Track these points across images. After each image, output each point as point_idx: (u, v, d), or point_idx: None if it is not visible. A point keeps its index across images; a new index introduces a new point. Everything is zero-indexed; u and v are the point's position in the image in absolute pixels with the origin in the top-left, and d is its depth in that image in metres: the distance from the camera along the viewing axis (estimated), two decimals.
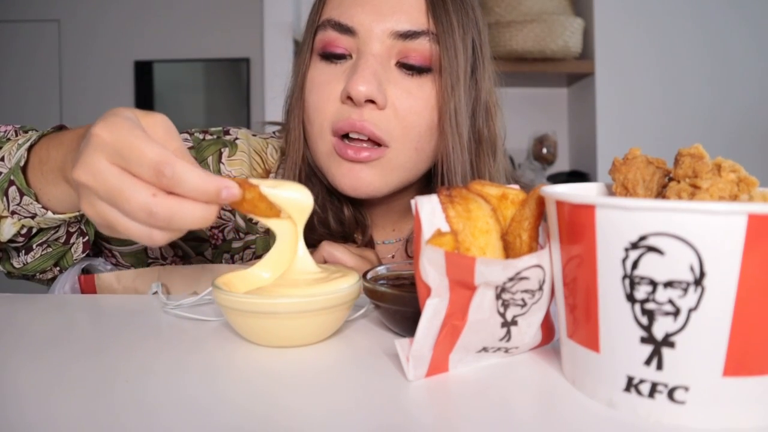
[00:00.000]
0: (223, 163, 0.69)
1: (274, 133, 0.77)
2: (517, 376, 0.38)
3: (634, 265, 0.29)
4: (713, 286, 0.28)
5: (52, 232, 0.57)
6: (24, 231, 0.54)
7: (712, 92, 1.74)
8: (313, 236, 0.69)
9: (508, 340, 0.39)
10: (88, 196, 0.39)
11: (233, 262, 0.72)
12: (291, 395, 0.34)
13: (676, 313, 0.29)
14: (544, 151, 1.91)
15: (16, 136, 0.58)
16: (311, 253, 0.64)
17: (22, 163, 0.51)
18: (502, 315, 0.37)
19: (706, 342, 0.28)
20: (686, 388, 0.29)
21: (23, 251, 0.58)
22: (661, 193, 0.36)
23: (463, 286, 0.35)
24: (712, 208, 0.27)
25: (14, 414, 0.32)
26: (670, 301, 0.29)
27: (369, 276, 0.47)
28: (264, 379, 0.37)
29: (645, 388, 0.30)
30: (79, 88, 2.44)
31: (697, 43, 1.73)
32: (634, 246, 0.29)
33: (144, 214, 0.36)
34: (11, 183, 0.51)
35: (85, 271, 0.66)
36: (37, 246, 0.58)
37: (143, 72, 2.45)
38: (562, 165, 2.02)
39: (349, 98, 0.59)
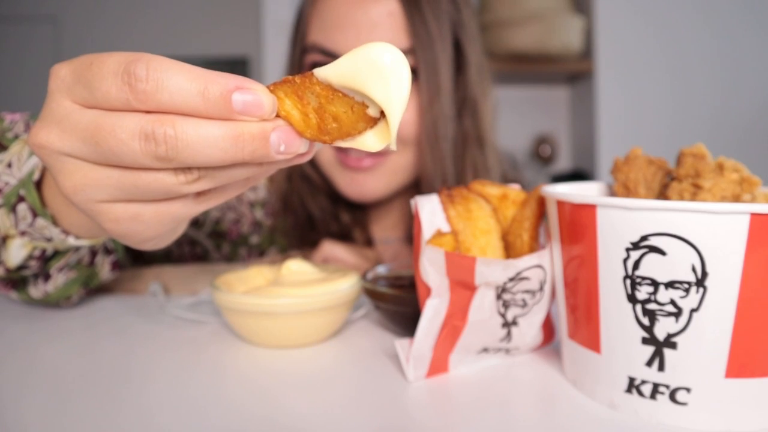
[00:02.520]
0: None
1: None
2: (518, 377, 0.37)
3: (636, 265, 0.29)
4: (715, 286, 0.28)
5: (71, 253, 0.46)
6: (37, 253, 0.43)
7: (714, 91, 1.74)
8: (314, 235, 0.69)
9: (509, 340, 0.38)
10: (62, 164, 0.27)
11: (250, 258, 0.73)
12: (291, 395, 0.34)
13: (678, 313, 0.29)
14: (544, 151, 1.91)
15: (25, 131, 0.46)
16: (312, 251, 0.65)
17: (36, 177, 0.39)
18: (503, 315, 0.37)
19: (708, 343, 0.28)
20: (688, 390, 0.29)
21: (41, 278, 0.47)
22: (662, 193, 0.35)
23: (463, 286, 0.35)
24: (713, 208, 0.27)
25: (14, 413, 0.32)
26: (672, 302, 0.28)
27: (369, 276, 0.47)
28: (264, 379, 0.37)
29: (646, 389, 0.30)
30: None
31: (699, 41, 1.73)
32: (636, 246, 0.29)
33: (140, 143, 0.25)
34: (20, 199, 0.40)
35: None
36: (56, 271, 0.47)
37: None
38: (562, 165, 2.02)
39: None
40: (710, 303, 0.28)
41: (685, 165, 0.33)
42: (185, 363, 0.39)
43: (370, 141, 0.27)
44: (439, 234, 0.36)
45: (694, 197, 0.32)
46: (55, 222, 0.40)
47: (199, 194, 0.29)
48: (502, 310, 0.37)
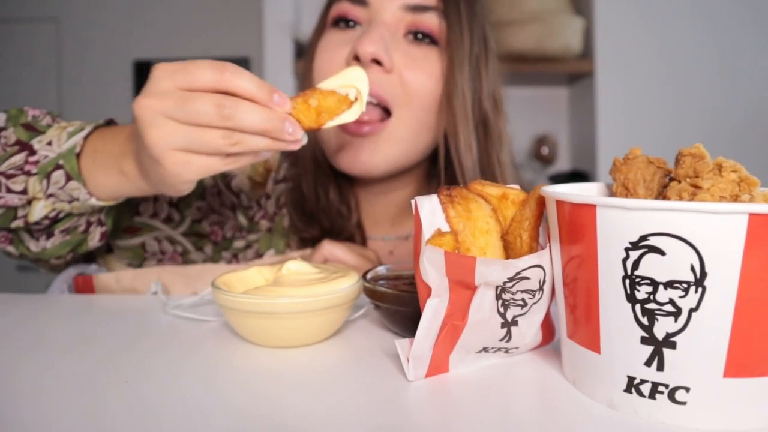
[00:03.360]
0: None
1: None
2: (518, 377, 0.37)
3: (635, 265, 0.29)
4: (714, 286, 0.28)
5: (74, 220, 0.56)
6: (53, 215, 0.54)
7: (713, 92, 1.74)
8: (313, 231, 0.70)
9: (509, 340, 0.39)
10: (155, 119, 0.42)
11: (237, 262, 0.72)
12: (291, 395, 0.34)
13: (677, 313, 0.29)
14: (544, 151, 1.91)
15: (53, 122, 0.57)
16: (312, 252, 0.65)
17: (77, 150, 0.52)
18: (503, 315, 0.37)
19: (707, 342, 0.28)
20: (687, 389, 0.29)
21: (44, 236, 0.57)
22: (661, 193, 0.35)
23: (463, 286, 0.35)
24: (712, 208, 0.27)
25: (14, 413, 0.32)
26: (671, 302, 0.29)
27: (369, 276, 0.47)
28: (264, 379, 0.37)
29: (646, 388, 0.30)
30: (77, 87, 2.44)
31: (699, 42, 1.73)
32: (635, 246, 0.29)
33: (213, 107, 0.41)
34: (58, 167, 0.52)
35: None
36: (58, 232, 0.57)
37: (142, 71, 2.45)
38: (562, 165, 2.02)
39: (356, 58, 0.60)
40: (709, 303, 0.28)
41: (684, 165, 0.33)
42: (185, 362, 0.40)
43: (349, 115, 0.47)
44: (439, 234, 0.36)
45: (693, 197, 0.32)
46: (85, 186, 0.52)
47: (228, 156, 0.44)
48: (501, 309, 0.37)
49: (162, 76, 0.42)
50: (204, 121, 0.41)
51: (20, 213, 0.53)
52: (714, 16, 1.73)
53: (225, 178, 0.71)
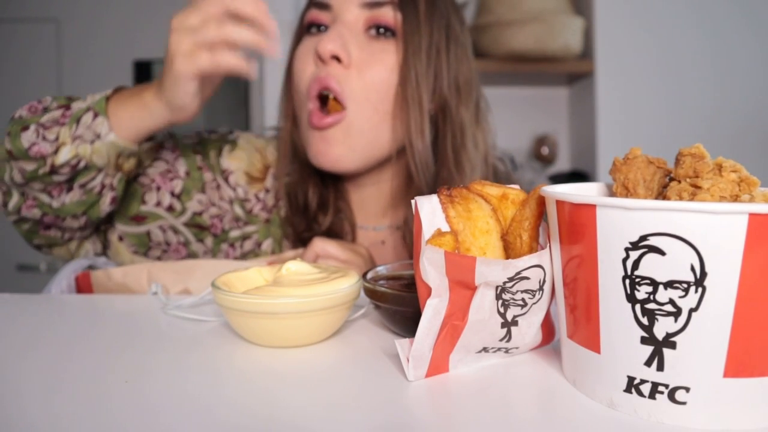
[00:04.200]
0: (222, 157, 0.75)
1: (277, 130, 0.82)
2: (518, 377, 0.38)
3: (635, 265, 0.29)
4: (714, 286, 0.28)
5: (92, 175, 0.63)
6: (74, 162, 0.61)
7: (713, 92, 1.74)
8: (306, 222, 0.74)
9: (509, 340, 0.39)
10: (181, 37, 0.57)
11: (233, 250, 0.76)
12: (291, 394, 0.34)
13: (677, 313, 0.29)
14: (544, 151, 1.91)
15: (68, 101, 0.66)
16: (304, 250, 0.66)
17: (107, 95, 0.63)
18: (503, 315, 0.37)
19: (707, 342, 0.28)
20: (687, 389, 0.29)
21: (65, 190, 0.64)
22: (661, 193, 0.35)
23: (463, 286, 0.35)
24: (712, 208, 0.27)
25: (14, 413, 0.32)
26: (671, 302, 0.29)
27: (369, 276, 0.47)
28: (264, 378, 0.37)
29: (646, 388, 0.30)
30: (77, 87, 2.44)
31: (699, 42, 1.73)
32: (635, 246, 0.29)
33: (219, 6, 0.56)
34: (87, 110, 0.62)
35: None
36: (77, 186, 0.63)
37: (142, 71, 2.44)
38: (562, 165, 2.02)
39: (319, 57, 0.66)
40: (709, 303, 0.28)
41: (684, 165, 0.33)
42: (186, 362, 0.40)
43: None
44: (439, 234, 0.36)
45: (693, 197, 0.32)
46: (107, 120, 0.61)
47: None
48: (501, 309, 0.37)
49: (183, 16, 0.58)
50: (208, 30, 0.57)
51: (49, 160, 0.60)
52: (714, 16, 1.73)
53: (224, 173, 0.75)
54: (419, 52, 0.66)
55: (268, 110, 1.80)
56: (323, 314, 0.42)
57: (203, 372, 0.38)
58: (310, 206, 0.74)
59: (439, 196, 0.38)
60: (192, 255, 0.76)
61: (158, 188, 0.72)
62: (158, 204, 0.72)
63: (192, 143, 0.76)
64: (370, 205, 0.77)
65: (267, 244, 0.76)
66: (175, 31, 0.58)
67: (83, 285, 0.64)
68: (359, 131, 0.67)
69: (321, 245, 0.63)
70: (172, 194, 0.73)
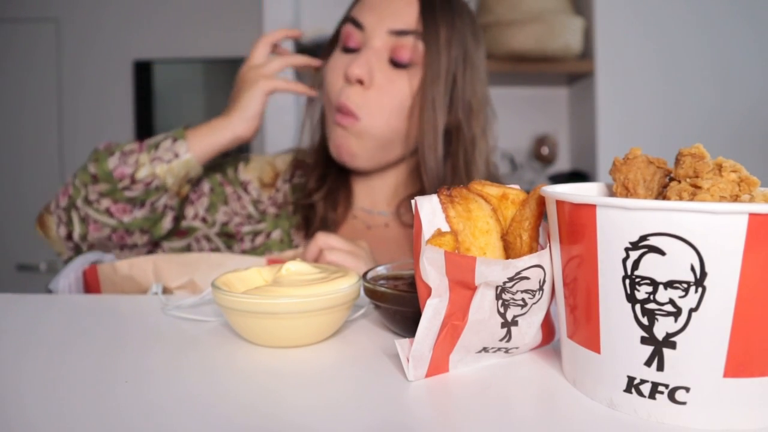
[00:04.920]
0: (239, 172, 0.89)
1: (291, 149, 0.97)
2: (518, 377, 0.38)
3: (635, 265, 0.29)
4: (714, 286, 0.28)
5: (160, 195, 0.77)
6: (148, 180, 0.75)
7: (713, 92, 1.74)
8: (312, 211, 0.84)
9: (509, 340, 0.39)
10: (259, 67, 0.81)
11: (243, 243, 0.86)
12: (292, 394, 0.34)
13: (677, 313, 0.29)
14: (544, 151, 1.91)
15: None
16: (306, 244, 0.70)
17: (185, 125, 0.78)
18: (503, 315, 0.37)
19: (707, 342, 0.28)
20: (687, 389, 0.29)
21: (138, 207, 0.77)
22: (661, 193, 0.35)
23: (463, 286, 0.35)
24: (712, 208, 0.27)
25: (14, 413, 0.32)
26: (671, 302, 0.29)
27: (369, 276, 0.47)
28: (264, 378, 0.37)
29: (646, 388, 0.30)
30: (77, 87, 2.44)
31: (699, 42, 1.73)
32: (635, 246, 0.29)
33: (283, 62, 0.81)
34: (166, 138, 0.77)
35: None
36: (147, 204, 0.77)
37: (142, 72, 2.45)
38: (562, 165, 2.02)
39: (346, 78, 0.78)
40: (709, 303, 0.28)
41: (684, 165, 0.33)
42: (186, 361, 0.40)
43: None
44: (439, 234, 0.36)
45: (693, 197, 0.32)
46: (185, 142, 0.76)
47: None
48: (501, 309, 0.37)
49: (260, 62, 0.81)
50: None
51: (127, 178, 0.75)
52: (714, 16, 1.73)
53: (242, 184, 0.88)
54: (438, 79, 0.76)
55: (268, 110, 1.79)
56: (323, 314, 0.42)
57: (203, 372, 0.38)
58: (309, 183, 0.86)
59: (439, 196, 0.38)
60: None
61: (192, 203, 0.85)
62: (195, 216, 0.85)
63: (209, 167, 0.87)
64: (376, 193, 0.88)
65: (276, 234, 0.86)
66: (254, 67, 0.81)
67: (90, 278, 0.64)
68: (372, 137, 0.78)
69: (324, 239, 0.68)
70: (199, 217, 0.85)
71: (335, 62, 0.81)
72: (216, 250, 0.86)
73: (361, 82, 0.77)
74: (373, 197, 0.88)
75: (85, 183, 0.76)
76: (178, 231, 0.84)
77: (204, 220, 0.85)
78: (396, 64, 0.77)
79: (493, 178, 0.85)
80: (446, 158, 0.81)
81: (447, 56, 0.76)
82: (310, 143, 0.90)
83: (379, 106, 0.77)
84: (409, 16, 0.77)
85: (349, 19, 0.81)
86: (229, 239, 0.86)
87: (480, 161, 0.82)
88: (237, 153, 0.92)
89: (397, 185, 0.87)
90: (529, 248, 0.38)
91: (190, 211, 0.84)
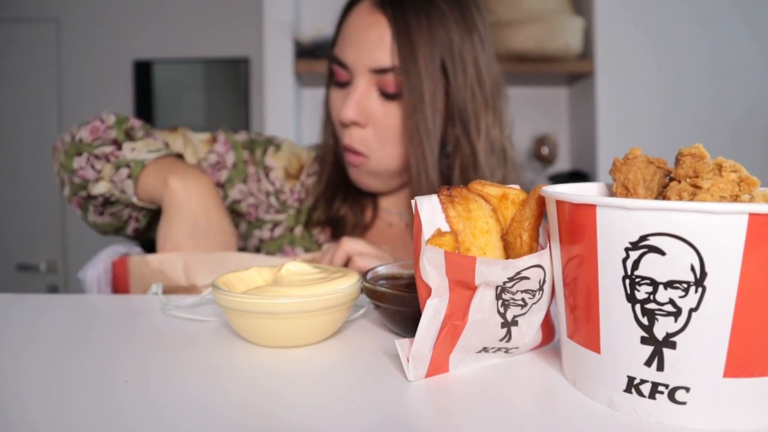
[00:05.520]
0: (266, 156, 0.89)
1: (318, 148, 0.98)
2: (518, 377, 0.38)
3: (635, 265, 0.29)
4: (714, 286, 0.28)
5: (120, 208, 0.77)
6: (107, 195, 0.74)
7: (713, 92, 1.74)
8: (335, 206, 0.85)
9: (509, 340, 0.39)
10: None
11: (260, 232, 0.88)
12: (291, 393, 0.34)
13: (677, 313, 0.29)
14: (544, 151, 1.91)
15: (145, 135, 0.79)
16: (332, 247, 0.71)
17: (145, 163, 0.71)
18: (503, 315, 0.37)
19: (707, 342, 0.28)
20: (687, 389, 0.29)
21: (98, 213, 0.78)
22: (661, 193, 0.35)
23: (463, 286, 0.35)
24: (712, 208, 0.27)
25: (14, 413, 0.32)
26: (671, 302, 0.29)
27: (369, 276, 0.47)
28: (264, 378, 0.37)
29: (646, 388, 0.30)
30: (77, 87, 2.44)
31: (698, 42, 1.73)
32: (635, 246, 0.29)
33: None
34: (127, 166, 0.72)
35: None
36: (107, 213, 0.78)
37: (142, 72, 2.45)
38: (562, 165, 2.02)
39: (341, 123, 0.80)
40: (709, 303, 0.28)
41: (684, 165, 0.33)
42: (186, 361, 0.40)
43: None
44: (439, 234, 0.36)
45: (693, 197, 0.32)
46: (135, 187, 0.71)
47: None
48: (501, 309, 0.37)
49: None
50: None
51: (89, 186, 0.75)
52: (713, 16, 1.73)
53: (266, 169, 0.88)
54: (420, 106, 0.75)
55: (269, 108, 1.79)
56: (323, 314, 0.42)
57: (203, 372, 0.38)
58: (337, 197, 0.87)
59: (439, 196, 0.38)
60: None
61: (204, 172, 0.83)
62: None
63: (242, 140, 0.88)
64: (396, 198, 0.90)
65: (298, 230, 0.88)
66: None
67: (120, 270, 0.65)
68: (378, 172, 0.82)
69: (351, 244, 0.68)
70: (218, 184, 0.85)
71: (333, 98, 0.82)
72: None
73: (356, 123, 0.78)
74: (392, 198, 0.90)
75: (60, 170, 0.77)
76: None
77: None
78: (386, 95, 0.77)
79: (512, 165, 0.85)
80: (448, 170, 0.82)
81: (429, 77, 0.75)
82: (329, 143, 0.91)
83: (380, 141, 0.78)
84: (384, 50, 0.75)
85: (333, 59, 0.80)
86: (237, 217, 0.87)
87: (486, 170, 0.81)
88: (267, 138, 0.92)
89: (412, 195, 0.89)
90: (529, 248, 0.38)
91: None
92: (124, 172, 0.72)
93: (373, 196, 0.89)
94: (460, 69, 0.77)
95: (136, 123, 0.80)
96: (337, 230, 0.86)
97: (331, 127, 0.86)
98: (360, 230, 0.87)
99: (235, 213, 0.87)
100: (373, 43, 0.76)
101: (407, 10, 0.75)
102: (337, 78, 0.80)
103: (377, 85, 0.77)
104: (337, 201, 0.86)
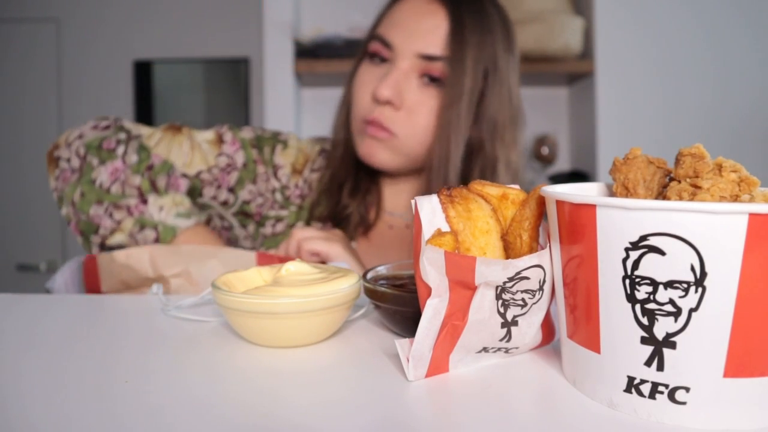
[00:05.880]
0: (275, 154, 0.87)
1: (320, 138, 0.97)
2: (518, 377, 0.38)
3: (635, 265, 0.29)
4: (714, 286, 0.28)
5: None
6: (123, 244, 0.72)
7: (713, 92, 1.74)
8: (339, 199, 0.85)
9: (509, 340, 0.39)
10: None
11: (263, 228, 0.88)
12: (291, 393, 0.34)
13: (677, 313, 0.29)
14: (544, 151, 1.91)
15: (168, 180, 0.78)
16: (285, 241, 0.72)
17: (178, 230, 0.73)
18: (503, 315, 0.37)
19: (707, 342, 0.28)
20: (687, 389, 0.29)
21: (101, 248, 0.75)
22: (661, 193, 0.35)
23: (463, 286, 0.35)
24: (712, 208, 0.27)
25: (14, 413, 0.32)
26: (671, 302, 0.29)
27: (369, 276, 0.47)
28: (264, 378, 0.37)
29: (646, 388, 0.30)
30: (77, 87, 2.44)
31: (698, 42, 1.73)
32: (635, 246, 0.29)
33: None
34: (154, 229, 0.72)
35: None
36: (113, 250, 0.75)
37: (142, 72, 2.45)
38: (562, 165, 2.02)
39: (375, 99, 0.78)
40: (709, 303, 0.28)
41: (684, 165, 0.33)
42: (186, 361, 0.40)
43: None
44: (439, 234, 0.36)
45: (693, 197, 0.32)
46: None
47: None
48: (501, 309, 0.37)
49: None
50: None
51: (101, 232, 0.72)
52: (713, 16, 1.73)
53: (275, 167, 0.87)
54: (459, 100, 0.76)
55: (269, 108, 1.79)
56: (323, 314, 0.42)
57: (203, 372, 0.38)
58: (344, 190, 0.86)
59: (439, 196, 0.38)
60: (233, 238, 0.87)
61: (218, 186, 0.83)
62: (214, 198, 0.84)
63: (250, 138, 0.86)
64: (402, 197, 0.89)
65: (299, 226, 0.87)
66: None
67: (90, 267, 0.66)
68: (401, 152, 0.80)
69: (300, 232, 0.71)
70: (228, 189, 0.84)
71: (363, 75, 0.81)
72: (228, 228, 0.86)
73: (390, 103, 0.77)
74: (397, 200, 0.90)
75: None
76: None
77: (225, 203, 0.85)
78: (429, 79, 0.78)
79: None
80: (465, 170, 0.82)
81: (472, 77, 0.77)
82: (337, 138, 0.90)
83: (411, 125, 0.78)
84: (437, 39, 0.76)
85: (376, 36, 0.80)
86: (245, 218, 0.86)
87: (504, 178, 0.82)
88: (274, 134, 0.91)
89: (419, 187, 0.89)
90: (529, 248, 0.38)
91: (209, 191, 0.83)
92: (150, 234, 0.72)
93: (378, 195, 0.88)
94: (498, 80, 0.80)
95: (156, 160, 0.77)
96: (340, 228, 0.85)
97: (346, 109, 0.85)
98: (363, 229, 0.86)
99: (244, 214, 0.87)
100: (428, 30, 0.77)
101: (464, 10, 0.77)
102: (377, 53, 0.80)
103: (419, 71, 0.78)
104: (344, 193, 0.85)
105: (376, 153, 0.80)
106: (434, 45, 0.77)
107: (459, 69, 0.76)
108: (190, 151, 0.82)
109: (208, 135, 0.84)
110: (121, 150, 0.75)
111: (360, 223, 0.85)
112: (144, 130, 0.81)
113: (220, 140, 0.84)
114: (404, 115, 0.78)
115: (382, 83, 0.77)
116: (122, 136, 0.77)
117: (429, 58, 0.77)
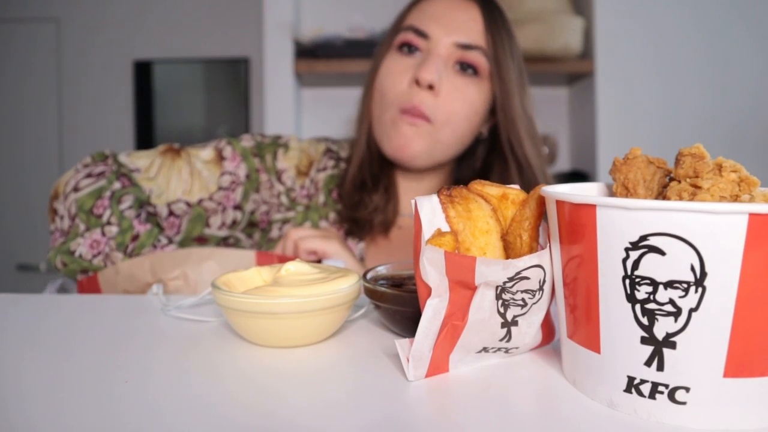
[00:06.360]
0: (277, 160, 0.87)
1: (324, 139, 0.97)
2: (518, 377, 0.38)
3: (635, 265, 0.29)
4: (714, 286, 0.28)
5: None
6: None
7: (712, 92, 1.74)
8: (354, 211, 0.86)
9: (509, 340, 0.39)
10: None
11: (272, 234, 0.87)
12: (291, 393, 0.34)
13: (677, 313, 0.29)
14: (544, 151, 1.91)
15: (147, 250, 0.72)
16: (281, 241, 0.73)
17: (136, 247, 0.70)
18: (503, 315, 0.37)
19: (707, 342, 0.28)
20: (687, 389, 0.29)
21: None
22: (661, 193, 0.35)
23: (463, 286, 0.35)
24: (712, 208, 0.27)
25: (15, 414, 0.32)
26: (671, 302, 0.29)
27: (369, 276, 0.47)
28: (264, 378, 0.37)
29: (646, 388, 0.30)
30: (77, 87, 2.44)
31: (698, 42, 1.73)
32: (635, 246, 0.29)
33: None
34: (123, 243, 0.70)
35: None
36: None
37: (142, 72, 2.45)
38: (562, 165, 2.02)
39: (417, 82, 0.78)
40: (709, 303, 0.28)
41: (684, 165, 0.33)
42: (186, 361, 0.40)
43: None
44: (439, 234, 0.36)
45: (693, 197, 0.32)
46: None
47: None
48: (501, 309, 0.37)
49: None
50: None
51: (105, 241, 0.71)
52: (713, 16, 1.73)
53: (278, 173, 0.86)
54: (514, 92, 0.80)
55: (269, 108, 1.79)
56: (323, 314, 0.42)
57: (203, 372, 0.38)
58: (366, 186, 0.85)
59: (439, 196, 0.38)
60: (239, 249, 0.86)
61: (224, 209, 0.82)
62: (222, 225, 0.83)
63: (250, 146, 0.85)
64: (413, 195, 0.88)
65: (306, 226, 0.87)
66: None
67: (89, 287, 0.67)
68: (437, 140, 0.80)
69: (296, 232, 0.71)
70: (234, 207, 0.83)
71: (393, 65, 0.81)
72: (234, 243, 0.85)
73: (431, 87, 0.77)
74: (410, 197, 0.89)
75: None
76: (198, 237, 0.82)
77: (234, 223, 0.84)
78: (462, 67, 0.79)
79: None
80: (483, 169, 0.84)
81: (515, 70, 0.80)
82: (350, 137, 0.90)
83: (449, 112, 0.78)
84: (474, 31, 0.78)
85: (410, 28, 0.80)
86: (251, 228, 0.86)
87: (539, 177, 0.84)
88: (274, 138, 0.90)
89: (435, 185, 0.90)
90: (529, 248, 0.38)
91: (216, 220, 0.82)
92: (118, 255, 0.69)
93: (396, 195, 0.87)
94: (525, 84, 0.83)
95: (140, 228, 0.71)
96: (357, 228, 0.84)
97: (368, 106, 0.84)
98: (382, 228, 0.85)
99: (250, 224, 0.86)
100: (464, 22, 0.79)
101: (493, 8, 0.80)
102: (409, 43, 0.80)
103: (456, 58, 0.79)
104: (367, 193, 0.84)
105: (410, 143, 0.79)
106: (472, 36, 0.78)
107: (502, 60, 0.78)
108: (190, 177, 0.80)
109: (208, 154, 0.82)
110: (107, 215, 0.71)
111: (382, 222, 0.85)
112: (141, 162, 0.78)
113: (220, 157, 0.82)
114: (441, 101, 0.78)
115: (423, 68, 0.76)
116: (117, 186, 0.73)
117: (466, 46, 0.78)
